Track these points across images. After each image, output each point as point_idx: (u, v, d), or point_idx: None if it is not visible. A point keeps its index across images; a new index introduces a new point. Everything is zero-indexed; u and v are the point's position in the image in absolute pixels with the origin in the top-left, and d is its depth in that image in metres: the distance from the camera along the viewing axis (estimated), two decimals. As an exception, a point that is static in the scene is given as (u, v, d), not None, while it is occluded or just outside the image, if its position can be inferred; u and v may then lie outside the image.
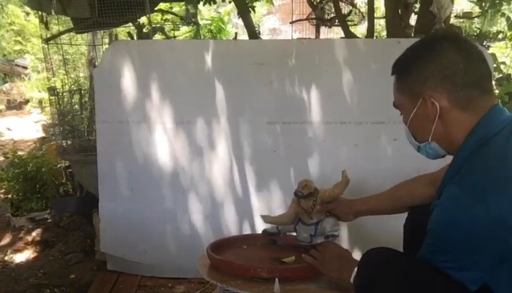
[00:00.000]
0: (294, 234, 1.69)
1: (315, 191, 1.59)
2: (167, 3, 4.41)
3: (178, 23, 4.42)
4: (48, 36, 3.19)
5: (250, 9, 4.02)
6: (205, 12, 8.07)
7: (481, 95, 1.11)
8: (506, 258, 0.98)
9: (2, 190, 3.70)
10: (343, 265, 1.36)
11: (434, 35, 1.29)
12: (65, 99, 3.35)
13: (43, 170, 3.35)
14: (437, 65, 1.11)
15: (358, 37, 3.35)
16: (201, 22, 6.49)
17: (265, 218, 1.73)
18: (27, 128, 7.45)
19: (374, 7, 3.40)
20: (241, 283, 1.45)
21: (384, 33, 3.68)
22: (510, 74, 3.89)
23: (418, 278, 1.05)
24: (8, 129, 7.56)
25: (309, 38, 3.87)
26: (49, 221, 3.30)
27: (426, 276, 1.04)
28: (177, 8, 4.78)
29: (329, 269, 1.41)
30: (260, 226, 1.79)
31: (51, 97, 3.33)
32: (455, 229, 1.00)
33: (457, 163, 1.11)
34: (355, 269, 1.25)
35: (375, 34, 3.65)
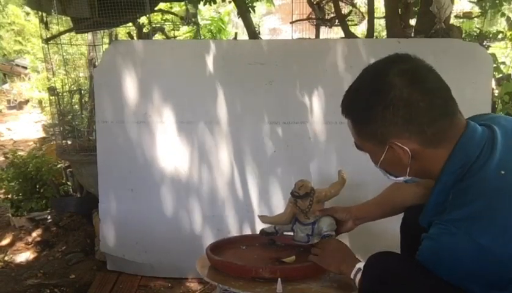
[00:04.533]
0: (292, 233, 1.69)
1: (312, 191, 1.60)
2: (167, 3, 4.41)
3: (178, 23, 4.41)
4: (48, 36, 3.19)
5: (250, 9, 4.02)
6: (205, 12, 8.07)
7: (451, 122, 1.02)
8: (501, 287, 0.95)
9: (2, 190, 3.69)
10: (343, 258, 1.37)
11: (379, 68, 1.06)
12: (65, 99, 3.35)
13: (43, 169, 3.35)
14: (395, 110, 1.00)
15: (358, 37, 3.34)
16: (201, 22, 6.49)
17: (262, 218, 1.74)
18: (27, 128, 7.46)
19: (374, 7, 3.39)
20: (242, 284, 1.46)
21: (384, 33, 3.68)
22: (510, 74, 3.88)
23: (425, 284, 1.02)
24: (8, 129, 7.56)
25: (309, 38, 3.86)
26: (49, 221, 3.30)
27: (434, 283, 1.01)
28: (177, 8, 4.78)
29: (329, 263, 1.42)
30: (260, 227, 1.79)
31: (51, 97, 3.33)
32: (443, 262, 0.98)
33: (438, 195, 1.06)
34: (357, 266, 1.26)
35: (375, 34, 3.65)
